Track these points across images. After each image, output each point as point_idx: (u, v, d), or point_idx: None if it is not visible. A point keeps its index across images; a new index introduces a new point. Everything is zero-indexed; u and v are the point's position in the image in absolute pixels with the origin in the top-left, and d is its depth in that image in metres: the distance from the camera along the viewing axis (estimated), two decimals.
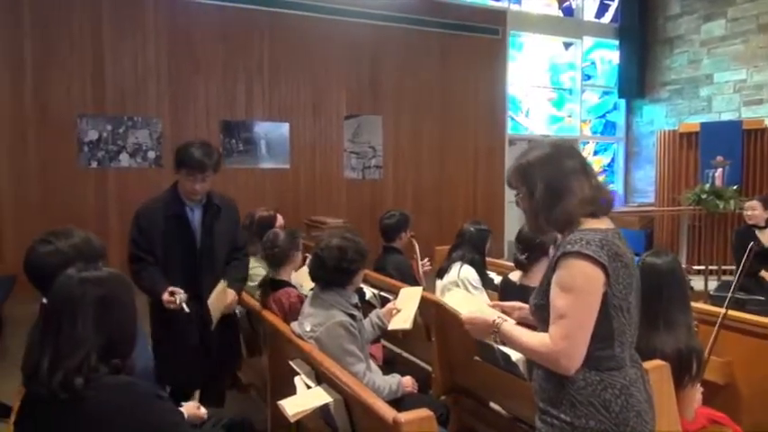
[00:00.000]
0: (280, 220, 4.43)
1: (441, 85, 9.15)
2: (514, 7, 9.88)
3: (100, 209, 7.13)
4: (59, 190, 6.92)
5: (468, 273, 3.82)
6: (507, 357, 2.66)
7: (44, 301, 2.06)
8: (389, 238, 4.36)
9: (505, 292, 3.41)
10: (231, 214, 3.28)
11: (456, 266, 3.86)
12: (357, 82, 8.61)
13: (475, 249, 3.95)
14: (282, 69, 8.10)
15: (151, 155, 7.42)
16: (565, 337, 1.60)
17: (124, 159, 7.30)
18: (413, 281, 4.07)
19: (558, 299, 1.63)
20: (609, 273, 1.61)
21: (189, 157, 2.98)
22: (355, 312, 2.71)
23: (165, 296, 2.88)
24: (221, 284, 3.07)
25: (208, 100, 7.73)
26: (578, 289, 1.60)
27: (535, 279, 3.15)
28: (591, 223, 1.70)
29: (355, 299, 2.80)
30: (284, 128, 8.18)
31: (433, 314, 3.29)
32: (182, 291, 2.89)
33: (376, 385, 2.55)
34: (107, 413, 1.62)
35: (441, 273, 4.01)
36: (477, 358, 2.89)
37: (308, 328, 2.63)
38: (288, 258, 3.39)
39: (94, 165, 7.16)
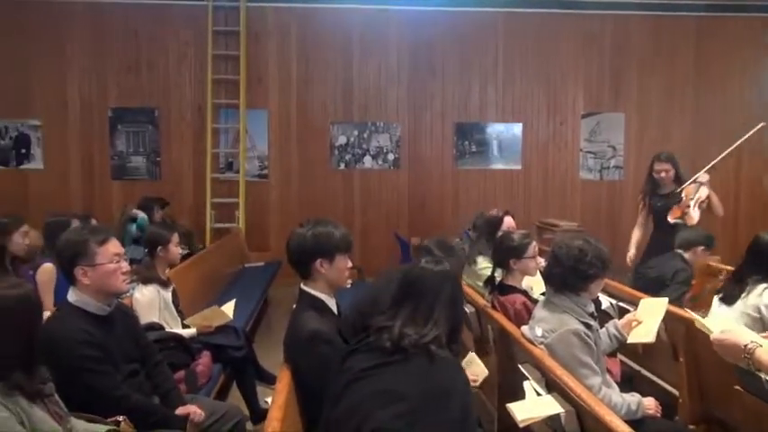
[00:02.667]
0: (510, 221, 4.37)
1: (696, 76, 8.13)
2: None
3: (347, 205, 7.90)
4: (314, 188, 7.86)
5: None
6: None
7: (302, 285, 2.34)
8: None
9: None
10: None
11: (757, 290, 3.08)
12: (596, 78, 8.12)
13: None
14: (517, 69, 8.02)
15: (390, 157, 7.96)
16: None
17: (367, 161, 7.96)
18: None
19: None
20: None
21: None
22: (591, 322, 2.54)
23: None
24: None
25: (443, 103, 8.01)
26: None
27: None
28: None
29: (591, 307, 2.62)
30: (517, 128, 8.09)
31: (682, 332, 2.94)
32: None
33: (612, 402, 2.37)
34: (445, 377, 1.82)
35: (727, 298, 3.21)
36: (737, 387, 2.49)
37: (538, 333, 2.54)
38: (512, 264, 3.31)
39: (342, 166, 7.94)
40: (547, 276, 2.68)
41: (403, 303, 1.95)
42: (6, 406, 1.64)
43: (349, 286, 2.42)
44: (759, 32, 8.13)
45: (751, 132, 4.89)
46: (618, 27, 8.05)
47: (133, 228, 5.76)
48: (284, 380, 2.12)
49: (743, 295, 3.10)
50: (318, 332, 2.16)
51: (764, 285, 3.04)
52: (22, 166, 7.63)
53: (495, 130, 8.08)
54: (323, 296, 2.31)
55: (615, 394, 2.45)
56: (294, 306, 2.36)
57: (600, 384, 2.40)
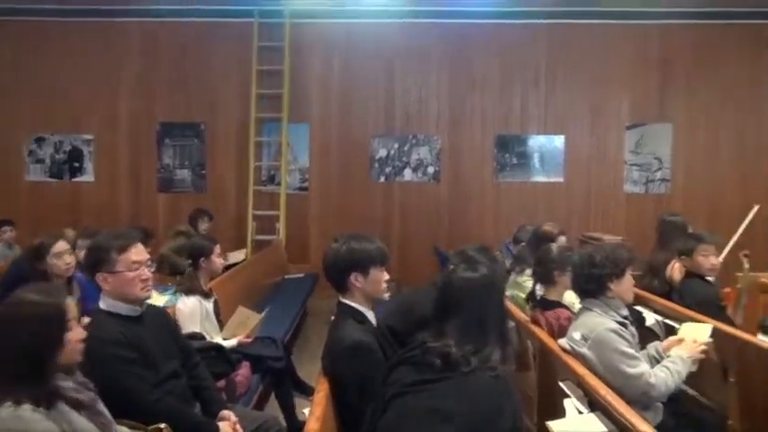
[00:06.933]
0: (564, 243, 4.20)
1: (749, 85, 7.82)
2: None
3: (386, 218, 7.92)
4: (354, 200, 7.90)
5: None
6: None
7: (340, 298, 2.34)
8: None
9: None
10: None
11: None
12: (642, 88, 7.93)
13: None
14: (559, 80, 7.92)
15: (431, 170, 7.95)
16: None
17: (407, 174, 7.97)
18: (717, 312, 3.42)
19: None
20: None
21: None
22: (627, 323, 2.60)
23: None
24: None
25: (483, 115, 7.97)
26: None
27: None
28: None
29: (625, 311, 2.67)
30: (559, 140, 7.97)
31: (733, 352, 2.82)
32: None
33: (667, 384, 2.43)
34: (499, 396, 1.73)
35: None
36: None
37: (577, 337, 2.57)
38: (556, 277, 3.23)
39: (382, 179, 7.97)
40: (572, 286, 2.81)
41: (448, 318, 1.81)
42: (52, 418, 1.61)
43: (387, 298, 2.43)
44: None
45: (749, 217, 5.45)
46: (666, 36, 7.85)
47: None
48: (322, 391, 2.12)
49: None
50: (362, 343, 2.16)
51: None
52: (74, 179, 7.95)
53: (537, 142, 7.98)
54: (362, 308, 2.31)
55: (663, 373, 2.46)
56: (332, 318, 2.37)
57: (649, 371, 2.44)
